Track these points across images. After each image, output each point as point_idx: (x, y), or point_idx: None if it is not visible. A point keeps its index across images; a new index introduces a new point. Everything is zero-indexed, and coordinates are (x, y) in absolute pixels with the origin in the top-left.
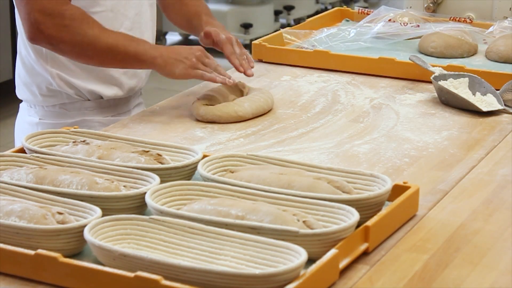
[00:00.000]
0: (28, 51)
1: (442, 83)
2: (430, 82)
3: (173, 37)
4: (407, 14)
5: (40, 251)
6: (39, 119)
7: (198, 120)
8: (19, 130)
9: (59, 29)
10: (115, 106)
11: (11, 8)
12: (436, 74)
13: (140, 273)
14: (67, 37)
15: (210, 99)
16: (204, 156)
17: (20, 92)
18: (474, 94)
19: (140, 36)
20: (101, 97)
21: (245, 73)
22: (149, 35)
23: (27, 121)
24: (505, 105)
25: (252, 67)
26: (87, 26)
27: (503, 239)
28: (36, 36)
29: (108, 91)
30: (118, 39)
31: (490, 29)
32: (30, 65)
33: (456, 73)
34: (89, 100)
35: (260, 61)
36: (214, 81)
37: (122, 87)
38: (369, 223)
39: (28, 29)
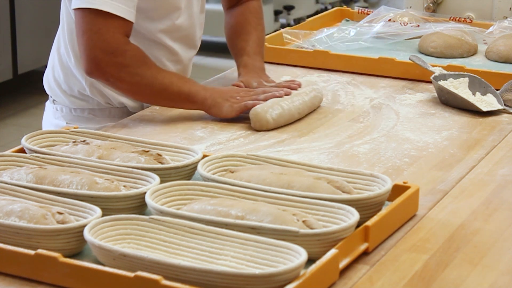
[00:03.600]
0: (68, 52)
1: (442, 83)
2: (430, 82)
3: None
4: (407, 14)
5: (40, 251)
6: (66, 123)
7: (198, 120)
8: None
9: (119, 68)
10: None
11: (11, 8)
12: (436, 74)
13: (140, 273)
14: (126, 77)
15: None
16: (204, 156)
17: (48, 86)
18: (474, 94)
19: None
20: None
21: (290, 88)
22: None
23: (54, 124)
24: (505, 105)
25: (299, 85)
26: (146, 67)
27: (503, 239)
28: (95, 73)
29: (133, 104)
30: (172, 80)
31: (490, 29)
32: (67, 66)
33: (456, 73)
34: (117, 107)
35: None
36: (257, 102)
37: (145, 104)
38: (369, 223)
39: (87, 64)
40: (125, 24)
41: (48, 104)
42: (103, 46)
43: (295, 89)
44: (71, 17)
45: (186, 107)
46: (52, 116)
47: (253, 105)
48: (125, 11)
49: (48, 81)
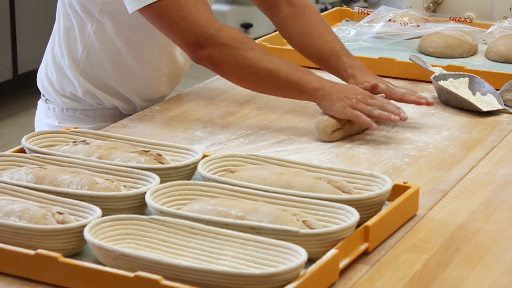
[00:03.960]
0: (62, 53)
1: (442, 83)
2: (430, 82)
3: None
4: (407, 14)
5: (40, 251)
6: (58, 122)
7: (198, 120)
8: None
9: (221, 49)
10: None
11: (11, 8)
12: (436, 74)
13: (140, 273)
14: (229, 59)
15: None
16: (204, 156)
17: (41, 85)
18: (474, 94)
19: None
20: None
21: (427, 104)
22: None
23: (46, 123)
24: (505, 105)
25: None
26: (248, 48)
27: (503, 239)
28: (201, 59)
29: (126, 107)
30: (281, 66)
31: (490, 29)
32: (60, 66)
33: (456, 73)
34: (109, 108)
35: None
36: (370, 127)
37: (138, 106)
38: (369, 223)
39: (190, 50)
40: (210, 8)
41: (40, 103)
42: (197, 30)
43: (422, 104)
44: (68, 17)
45: (294, 96)
46: (44, 115)
47: (364, 123)
48: None
49: (41, 80)
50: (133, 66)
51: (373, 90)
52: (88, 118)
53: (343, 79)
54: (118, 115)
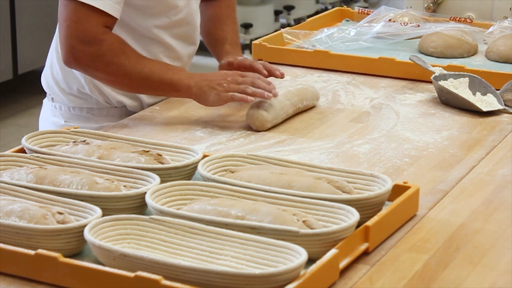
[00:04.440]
0: None
1: (442, 83)
2: (430, 82)
3: None
4: (407, 14)
5: (40, 251)
6: (65, 121)
7: (198, 120)
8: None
9: (94, 58)
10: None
11: (11, 8)
12: (436, 74)
13: (140, 273)
14: (101, 66)
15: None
16: (204, 156)
17: (47, 84)
18: (474, 94)
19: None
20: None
21: (272, 74)
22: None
23: (52, 122)
24: (505, 105)
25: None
26: (124, 56)
27: (503, 239)
28: (71, 62)
29: (132, 103)
30: (153, 69)
31: (490, 29)
32: None
33: (456, 73)
34: (116, 107)
35: (260, 61)
36: (246, 101)
37: (144, 102)
38: (369, 223)
39: (64, 53)
40: (108, 19)
41: (46, 102)
42: (80, 36)
43: (278, 77)
44: None
45: (173, 95)
46: (50, 114)
47: (240, 99)
48: (109, 6)
49: (47, 79)
50: None
51: (229, 67)
52: (94, 117)
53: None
54: (124, 114)
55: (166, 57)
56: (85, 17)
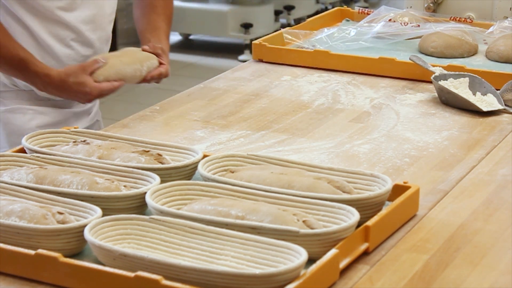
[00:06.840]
0: None
1: (442, 83)
2: (430, 82)
3: (173, 37)
4: (407, 14)
5: (40, 251)
6: None
7: (198, 120)
8: None
9: None
10: (51, 100)
11: None
12: (436, 74)
13: (140, 273)
14: None
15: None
16: (204, 156)
17: None
18: (474, 94)
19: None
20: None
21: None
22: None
23: None
24: (505, 105)
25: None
26: None
27: (503, 239)
28: None
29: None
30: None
31: (490, 29)
32: None
33: (456, 73)
34: (24, 90)
35: (260, 61)
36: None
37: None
38: (369, 223)
39: None
40: None
41: None
42: None
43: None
44: None
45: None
46: None
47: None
48: None
49: None
50: (42, 41)
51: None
52: (3, 101)
53: None
54: (34, 99)
55: (75, 42)
56: None
